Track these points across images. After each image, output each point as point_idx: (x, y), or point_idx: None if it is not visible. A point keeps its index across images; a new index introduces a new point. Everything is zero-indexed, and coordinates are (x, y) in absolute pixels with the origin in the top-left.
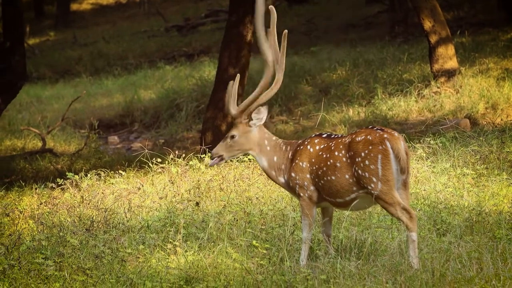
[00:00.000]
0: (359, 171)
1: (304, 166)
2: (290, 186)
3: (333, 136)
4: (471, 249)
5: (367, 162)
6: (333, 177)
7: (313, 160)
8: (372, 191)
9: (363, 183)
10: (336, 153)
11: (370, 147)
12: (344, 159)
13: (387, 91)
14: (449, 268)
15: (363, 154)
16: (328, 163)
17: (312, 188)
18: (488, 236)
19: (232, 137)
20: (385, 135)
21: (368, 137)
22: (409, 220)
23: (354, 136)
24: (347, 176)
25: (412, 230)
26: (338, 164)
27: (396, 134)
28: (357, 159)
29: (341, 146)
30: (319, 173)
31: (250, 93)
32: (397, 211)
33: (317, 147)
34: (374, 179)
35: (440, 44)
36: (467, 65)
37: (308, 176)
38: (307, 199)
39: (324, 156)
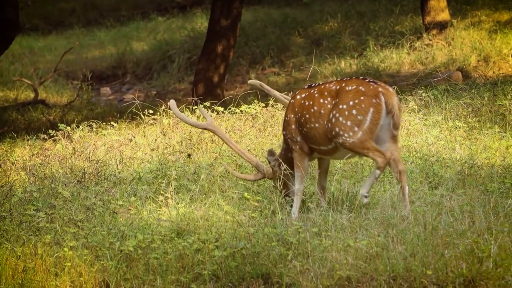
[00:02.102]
0: (340, 118)
1: (289, 119)
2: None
3: (315, 84)
4: (463, 202)
5: (354, 112)
6: (316, 124)
7: (296, 109)
8: (348, 139)
9: (339, 130)
10: (321, 100)
11: (362, 98)
12: (329, 106)
13: (379, 43)
14: (441, 222)
15: (351, 103)
16: (312, 110)
17: (299, 138)
18: (480, 189)
19: None
20: (380, 89)
21: (361, 87)
22: (381, 160)
23: (343, 84)
24: (325, 123)
25: (380, 169)
26: (322, 111)
27: (390, 89)
28: (340, 106)
29: (326, 93)
30: (302, 121)
31: (242, 44)
32: (370, 152)
33: (299, 97)
34: (355, 129)
35: None
36: (459, 18)
37: (293, 127)
38: (298, 150)
39: (307, 103)
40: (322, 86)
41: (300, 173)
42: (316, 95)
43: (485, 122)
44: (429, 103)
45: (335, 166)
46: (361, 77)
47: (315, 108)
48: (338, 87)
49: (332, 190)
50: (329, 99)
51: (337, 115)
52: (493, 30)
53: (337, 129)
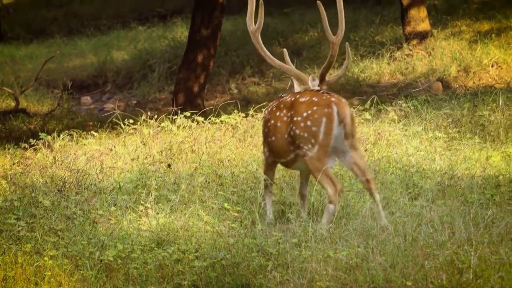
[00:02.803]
0: (297, 131)
1: (262, 130)
2: None
3: (280, 96)
4: (443, 213)
5: (308, 123)
6: (273, 138)
7: (263, 122)
8: (307, 152)
9: (299, 143)
10: (278, 113)
11: (315, 108)
12: (285, 118)
13: (359, 53)
14: (421, 233)
15: (305, 114)
16: (269, 124)
17: (266, 149)
18: (460, 200)
19: None
20: (332, 99)
21: (314, 98)
22: (332, 191)
23: (298, 96)
24: (286, 136)
25: (332, 202)
26: (278, 124)
27: (343, 99)
28: (296, 118)
29: (282, 106)
30: (265, 134)
31: (222, 54)
32: (323, 179)
33: (267, 110)
34: (312, 141)
35: (412, 6)
36: (440, 28)
37: (262, 139)
38: (265, 161)
39: (268, 117)
40: (281, 99)
41: (265, 182)
42: (274, 108)
43: (465, 132)
44: (409, 114)
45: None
46: (315, 89)
47: (272, 121)
48: (293, 99)
49: (312, 201)
50: (284, 111)
51: (294, 127)
52: (474, 41)
53: (297, 142)
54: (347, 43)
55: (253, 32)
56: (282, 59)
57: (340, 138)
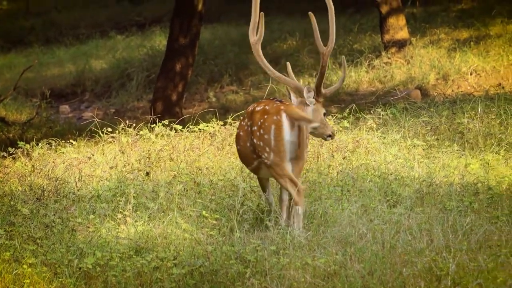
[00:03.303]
0: (255, 140)
1: None
2: None
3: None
4: (422, 220)
5: (261, 131)
6: (239, 147)
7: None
8: (266, 161)
9: (258, 151)
10: (242, 123)
11: (266, 117)
12: (246, 127)
13: (337, 62)
14: (399, 240)
15: (259, 123)
16: (235, 133)
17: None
18: (439, 207)
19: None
20: (282, 107)
21: (266, 107)
22: (296, 193)
23: (256, 105)
24: (248, 144)
25: (298, 204)
26: (241, 133)
27: (293, 107)
28: (253, 128)
29: (245, 115)
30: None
31: (200, 63)
32: (287, 183)
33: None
34: (267, 149)
35: (391, 14)
36: (418, 36)
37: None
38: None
39: (238, 126)
40: (247, 110)
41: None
42: (241, 118)
43: (444, 140)
44: (387, 122)
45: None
46: (272, 98)
47: (238, 130)
48: (252, 109)
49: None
50: (246, 120)
51: (252, 136)
52: (452, 49)
53: (256, 150)
54: (343, 56)
55: (254, 43)
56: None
57: (294, 146)
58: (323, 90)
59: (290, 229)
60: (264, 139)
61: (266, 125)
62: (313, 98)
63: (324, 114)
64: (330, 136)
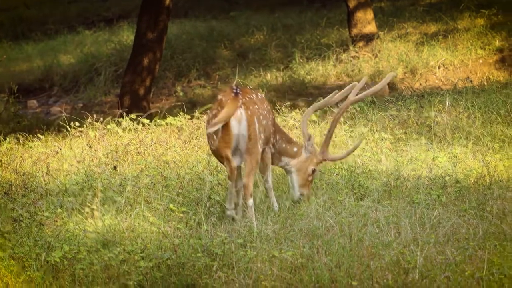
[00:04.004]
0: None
1: None
2: None
3: None
4: (389, 213)
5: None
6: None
7: None
8: (212, 147)
9: (212, 139)
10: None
11: (219, 108)
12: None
13: (305, 56)
14: (367, 233)
15: (214, 112)
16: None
17: None
18: (406, 200)
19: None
20: (230, 101)
21: (223, 98)
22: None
23: (219, 94)
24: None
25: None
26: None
27: (238, 101)
28: (210, 115)
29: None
30: None
31: (168, 57)
32: (224, 161)
33: None
34: (215, 137)
35: (358, 8)
36: (386, 30)
37: None
38: None
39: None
40: None
41: None
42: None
43: (412, 133)
44: (355, 115)
45: (260, 178)
46: (234, 87)
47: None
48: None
49: (258, 202)
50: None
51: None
52: (420, 42)
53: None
54: (362, 139)
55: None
56: (229, 60)
57: (244, 140)
58: (328, 153)
59: (257, 222)
60: (216, 131)
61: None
62: (312, 147)
63: (313, 171)
64: (301, 195)
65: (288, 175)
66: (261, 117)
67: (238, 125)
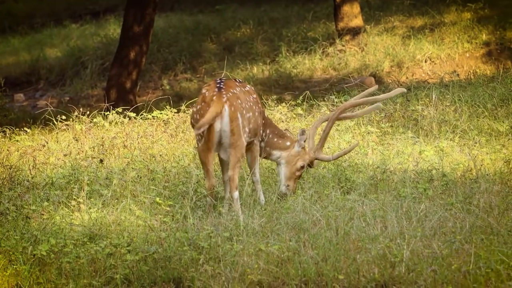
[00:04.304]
0: (192, 121)
1: None
2: None
3: None
4: (376, 207)
5: (197, 117)
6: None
7: None
8: (198, 143)
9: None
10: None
11: (202, 104)
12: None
13: (291, 49)
14: (353, 227)
15: (199, 106)
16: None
17: None
18: (393, 194)
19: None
20: (215, 97)
21: (206, 92)
22: (207, 184)
23: (203, 87)
24: None
25: (207, 194)
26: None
27: (224, 97)
28: (193, 110)
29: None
30: None
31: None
32: (204, 172)
33: None
34: (201, 133)
35: (345, 2)
36: (373, 23)
37: None
38: None
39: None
40: None
41: None
42: None
43: (398, 127)
44: None
45: (247, 171)
46: (218, 80)
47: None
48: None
49: (244, 195)
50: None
51: (191, 119)
52: (407, 36)
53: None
54: (356, 141)
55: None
56: (216, 54)
57: (227, 135)
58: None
59: (243, 216)
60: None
61: (202, 112)
62: (304, 143)
63: (302, 167)
64: (287, 188)
65: (277, 167)
66: (245, 111)
67: (220, 121)
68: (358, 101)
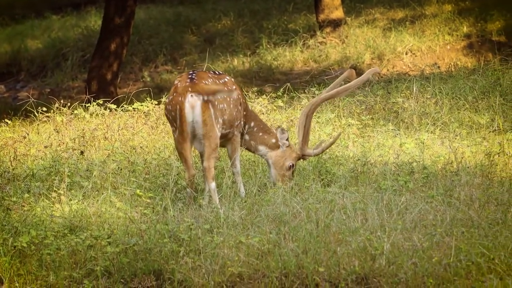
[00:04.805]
0: (165, 112)
1: None
2: None
3: None
4: (356, 200)
5: (170, 107)
6: None
7: None
8: (173, 134)
9: (170, 124)
10: None
11: (174, 95)
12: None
13: (272, 41)
14: (334, 219)
15: (171, 97)
16: None
17: None
18: (373, 187)
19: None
20: (189, 87)
21: (178, 84)
22: (187, 175)
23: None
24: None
25: (186, 184)
26: None
27: (190, 90)
28: (166, 101)
29: None
30: None
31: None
32: (181, 161)
33: None
34: (174, 124)
35: None
36: (353, 15)
37: None
38: None
39: None
40: None
41: None
42: None
43: (379, 119)
44: None
45: (227, 163)
46: (191, 71)
47: None
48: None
49: (224, 188)
50: None
51: (165, 110)
52: (388, 28)
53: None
54: (340, 131)
55: None
56: (196, 45)
57: (200, 126)
58: (306, 148)
59: (224, 208)
60: (171, 115)
61: (173, 103)
62: (287, 141)
63: (290, 166)
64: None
65: (268, 169)
66: (217, 102)
67: (192, 112)
68: (331, 94)
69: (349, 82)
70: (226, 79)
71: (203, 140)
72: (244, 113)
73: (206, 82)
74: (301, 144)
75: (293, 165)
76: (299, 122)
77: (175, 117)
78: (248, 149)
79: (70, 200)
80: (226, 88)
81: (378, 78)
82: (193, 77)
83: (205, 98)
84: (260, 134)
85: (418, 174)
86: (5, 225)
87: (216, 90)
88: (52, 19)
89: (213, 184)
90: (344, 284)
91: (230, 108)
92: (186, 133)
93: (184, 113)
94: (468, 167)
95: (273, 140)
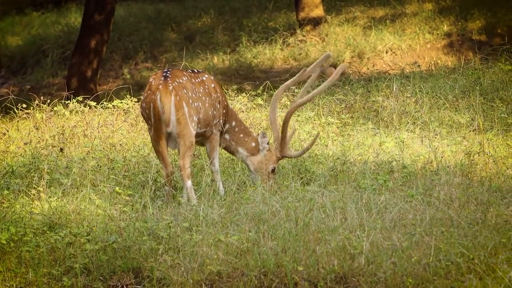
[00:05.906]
0: (140, 109)
1: None
2: None
3: None
4: (335, 198)
5: (144, 105)
6: None
7: None
8: (149, 132)
9: (145, 121)
10: None
11: (148, 92)
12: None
13: (252, 39)
14: (313, 218)
15: (145, 95)
16: None
17: None
18: (353, 186)
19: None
20: (160, 87)
21: (153, 81)
22: (164, 172)
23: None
24: None
25: (165, 182)
26: None
27: (170, 87)
28: (141, 98)
29: None
30: None
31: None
32: (158, 159)
33: None
34: (149, 122)
35: None
36: (334, 14)
37: None
38: None
39: None
40: None
41: None
42: None
43: (359, 118)
44: None
45: (207, 162)
46: (166, 69)
47: None
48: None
49: (203, 185)
50: None
51: (140, 109)
52: (368, 27)
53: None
54: (319, 131)
55: None
56: (176, 43)
57: (172, 123)
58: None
59: (203, 206)
60: (146, 113)
61: (147, 101)
62: (267, 145)
63: (273, 170)
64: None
65: (250, 174)
66: (191, 101)
67: (165, 110)
68: (306, 99)
69: (323, 68)
70: (205, 77)
71: (177, 138)
72: (224, 111)
73: (180, 81)
74: (282, 147)
75: (274, 168)
76: (275, 125)
77: (149, 115)
78: (227, 148)
79: (50, 197)
80: (202, 88)
81: (358, 76)
82: (168, 75)
83: (178, 96)
84: (241, 135)
85: (397, 173)
86: None
87: (191, 90)
88: (32, 16)
89: (189, 182)
90: (323, 283)
91: (205, 107)
92: (161, 131)
93: (157, 111)
94: (448, 167)
95: (253, 144)
